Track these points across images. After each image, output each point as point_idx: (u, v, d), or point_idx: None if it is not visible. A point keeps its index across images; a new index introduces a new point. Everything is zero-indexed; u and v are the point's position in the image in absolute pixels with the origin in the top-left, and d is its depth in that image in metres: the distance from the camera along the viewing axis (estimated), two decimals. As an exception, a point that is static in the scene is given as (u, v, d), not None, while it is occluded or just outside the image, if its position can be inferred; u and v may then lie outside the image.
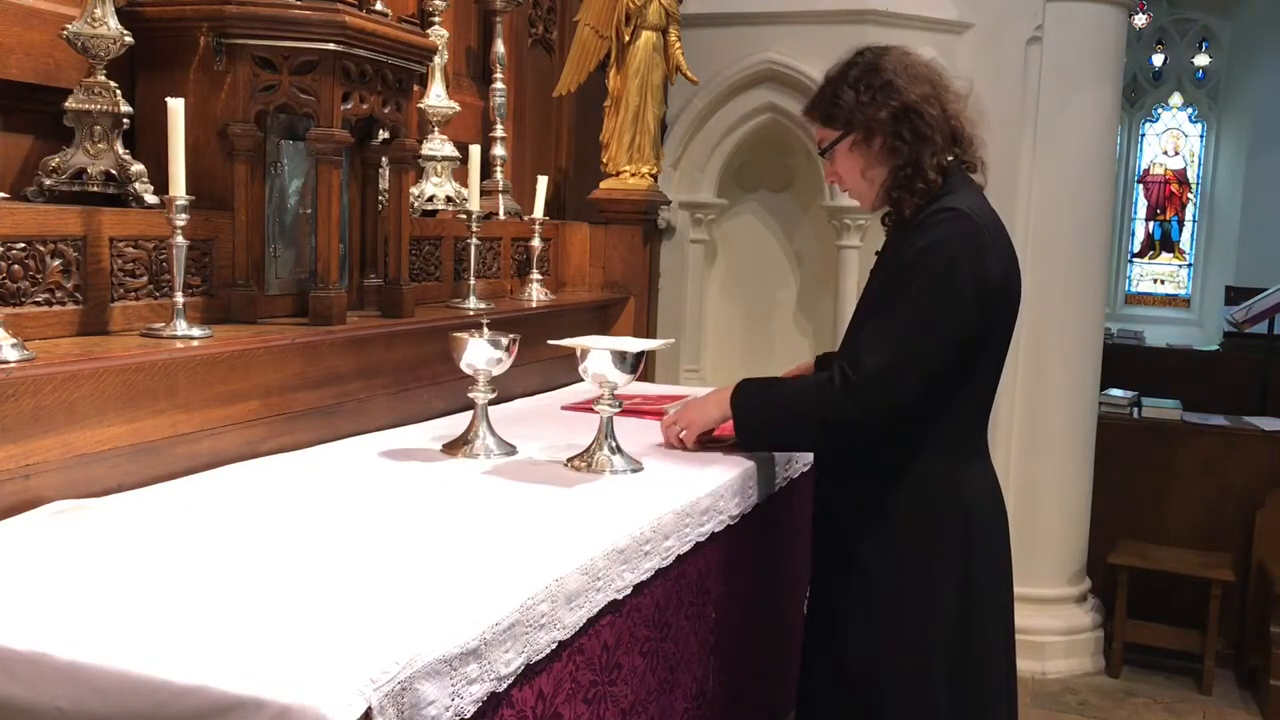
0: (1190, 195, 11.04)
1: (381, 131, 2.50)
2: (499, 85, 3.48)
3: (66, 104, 2.00)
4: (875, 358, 1.95)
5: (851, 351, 2.01)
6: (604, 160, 3.77)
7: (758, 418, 2.14)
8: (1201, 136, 10.95)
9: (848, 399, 1.97)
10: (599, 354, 2.02)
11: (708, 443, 2.26)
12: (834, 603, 2.14)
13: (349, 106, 2.27)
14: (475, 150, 2.85)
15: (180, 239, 1.93)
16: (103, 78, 2.01)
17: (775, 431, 2.17)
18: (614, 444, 2.07)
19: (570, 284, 3.76)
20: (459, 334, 2.12)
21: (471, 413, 2.17)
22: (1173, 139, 11.10)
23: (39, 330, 1.80)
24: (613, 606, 1.62)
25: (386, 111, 2.41)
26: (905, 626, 2.03)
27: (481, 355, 2.09)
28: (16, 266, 1.77)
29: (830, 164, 2.17)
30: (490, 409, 2.19)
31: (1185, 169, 11.07)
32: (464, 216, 2.86)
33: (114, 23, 2.00)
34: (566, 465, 2.07)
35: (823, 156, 2.17)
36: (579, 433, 2.25)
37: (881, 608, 2.04)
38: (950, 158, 2.06)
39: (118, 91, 2.03)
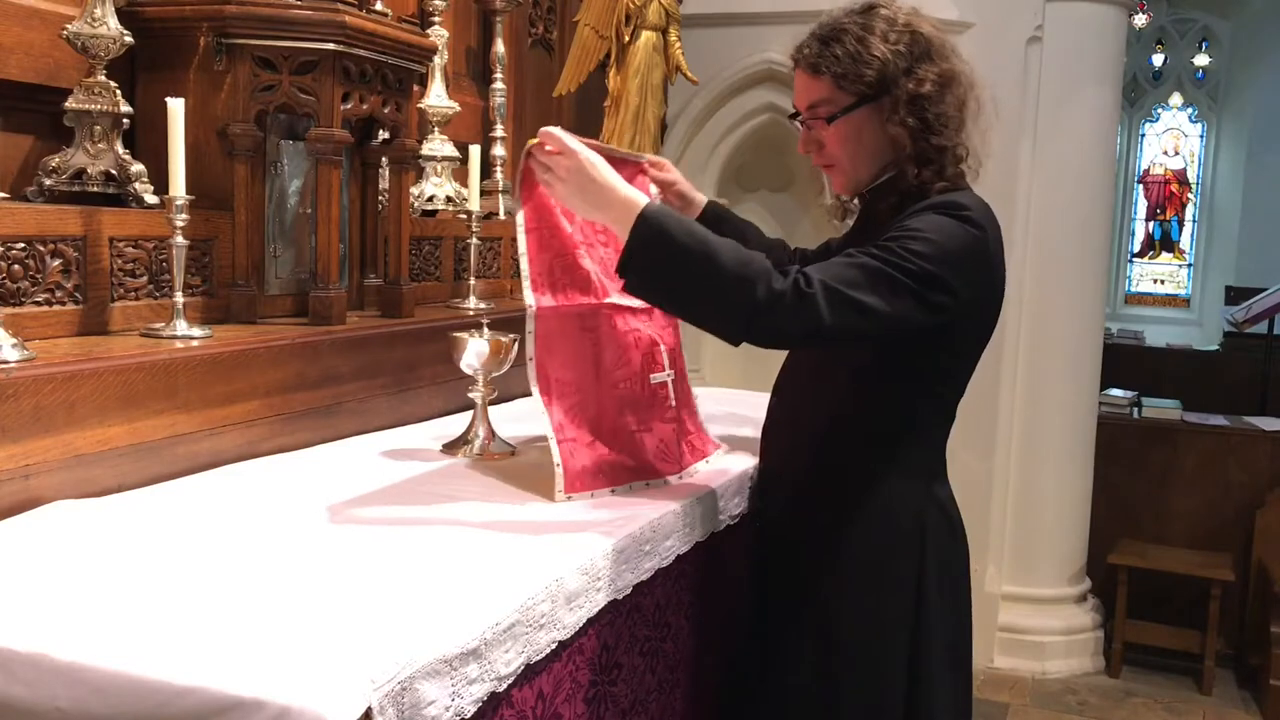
0: (1190, 195, 11.05)
1: (381, 131, 2.50)
2: (499, 85, 3.48)
3: (66, 104, 2.00)
4: (846, 287, 1.65)
5: (810, 270, 1.67)
6: (604, 160, 3.76)
7: (660, 271, 1.65)
8: (1201, 136, 10.96)
9: (792, 308, 1.63)
10: None
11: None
12: (784, 631, 1.94)
13: (349, 106, 2.27)
14: (475, 150, 2.85)
15: (180, 239, 1.93)
16: (103, 78, 2.01)
17: (676, 296, 1.70)
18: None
19: (570, 284, 3.75)
20: (459, 334, 2.12)
21: (471, 413, 2.17)
22: (1173, 139, 11.12)
23: (39, 330, 1.80)
24: (613, 606, 1.62)
25: (386, 111, 2.41)
26: (859, 663, 1.85)
27: (481, 355, 2.09)
28: (16, 266, 1.77)
29: (821, 131, 1.84)
30: (490, 409, 2.19)
31: (1185, 169, 11.08)
32: (464, 216, 2.86)
33: (114, 23, 2.00)
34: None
35: (828, 123, 1.82)
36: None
37: (836, 644, 1.86)
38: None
39: (118, 91, 2.04)
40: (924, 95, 1.76)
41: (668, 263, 1.64)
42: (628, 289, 1.69)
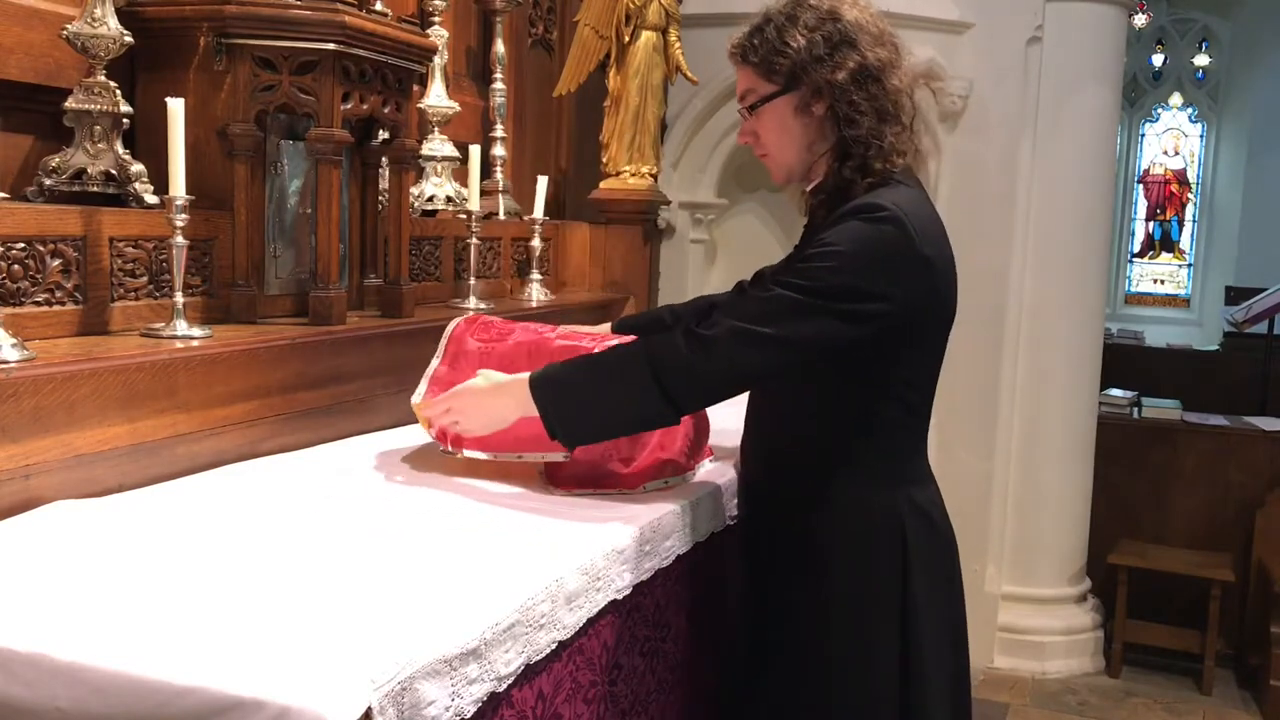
0: (1190, 195, 11.04)
1: (381, 131, 2.50)
2: (499, 85, 3.48)
3: (66, 104, 2.00)
4: (748, 322, 1.68)
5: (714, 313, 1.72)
6: (604, 160, 3.77)
7: (570, 406, 1.74)
8: (1201, 136, 10.95)
9: (688, 343, 1.68)
10: None
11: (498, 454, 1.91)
12: (767, 652, 1.92)
13: (349, 106, 2.27)
14: (475, 150, 2.85)
15: (180, 239, 1.93)
16: (103, 78, 2.01)
17: (597, 414, 1.76)
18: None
19: (570, 284, 3.76)
20: (459, 334, 2.12)
21: (471, 413, 2.17)
22: (1173, 139, 11.11)
23: (39, 330, 1.80)
24: (613, 606, 1.62)
25: (386, 111, 2.41)
26: (846, 689, 1.82)
27: (481, 355, 2.09)
28: (16, 266, 1.77)
29: (753, 121, 1.85)
30: (490, 409, 2.18)
31: (1185, 169, 11.07)
32: (464, 216, 2.86)
33: (114, 23, 2.00)
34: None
35: (750, 111, 1.84)
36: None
37: (820, 671, 1.83)
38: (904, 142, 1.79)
39: (118, 91, 2.04)
40: (837, 83, 1.74)
41: (570, 398, 1.75)
42: (568, 445, 1.80)
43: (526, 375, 1.77)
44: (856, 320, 1.69)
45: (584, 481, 1.89)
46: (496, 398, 1.81)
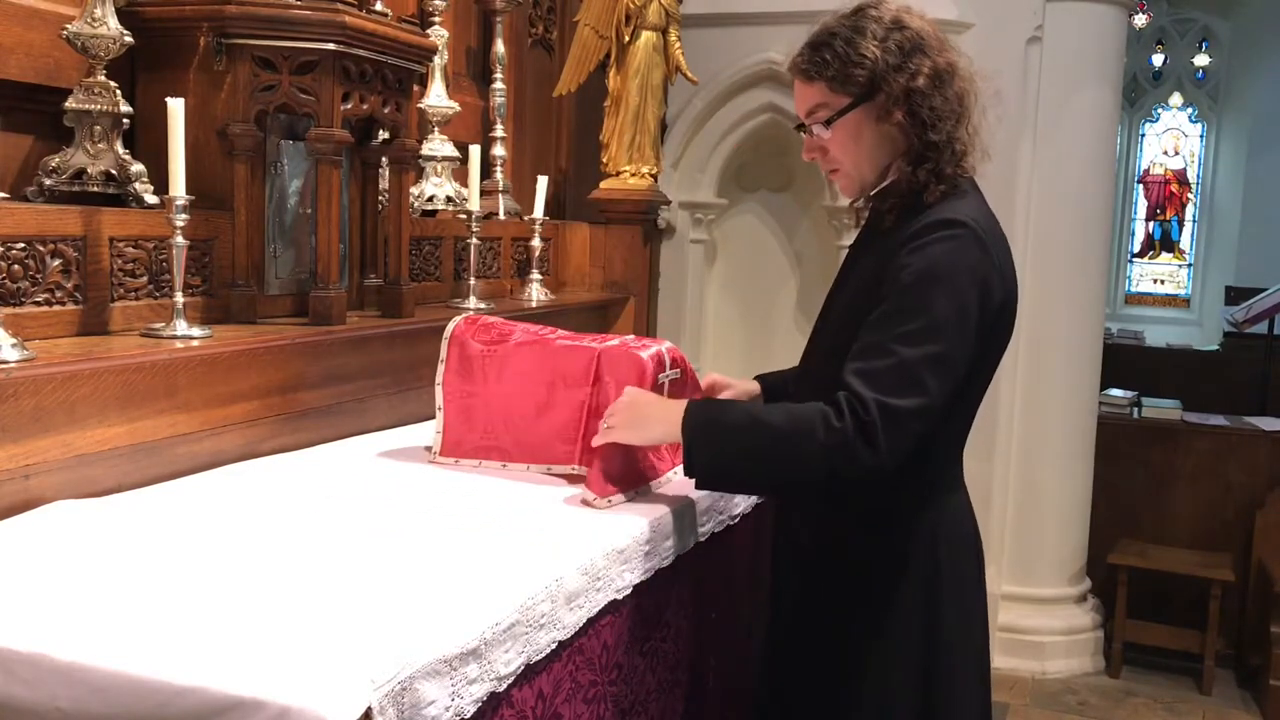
0: (1190, 195, 11.05)
1: (381, 131, 2.51)
2: (499, 85, 3.48)
3: (66, 104, 2.00)
4: (898, 397, 1.62)
5: (856, 386, 1.64)
6: (604, 160, 3.77)
7: (721, 455, 1.70)
8: (1201, 136, 10.96)
9: (864, 444, 1.60)
10: None
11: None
12: (789, 661, 1.91)
13: (349, 106, 2.27)
14: (475, 150, 2.85)
15: (180, 239, 1.93)
16: (103, 78, 2.01)
17: (746, 475, 1.74)
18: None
19: (570, 284, 3.76)
20: (459, 334, 2.12)
21: (471, 413, 2.17)
22: (1173, 139, 11.11)
23: (39, 330, 1.80)
24: (613, 606, 1.62)
25: (386, 111, 2.41)
26: (864, 701, 1.81)
27: (481, 355, 2.09)
28: (16, 266, 1.77)
29: (824, 136, 1.80)
30: (490, 409, 2.18)
31: (1185, 169, 11.08)
32: (464, 216, 2.86)
33: (114, 23, 2.00)
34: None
35: (825, 126, 1.79)
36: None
37: (839, 681, 1.82)
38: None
39: (118, 91, 2.04)
40: (917, 89, 1.74)
41: (723, 444, 1.70)
42: (700, 485, 1.75)
43: (684, 404, 1.75)
44: (963, 366, 1.69)
45: (622, 482, 1.87)
46: (653, 413, 1.80)
